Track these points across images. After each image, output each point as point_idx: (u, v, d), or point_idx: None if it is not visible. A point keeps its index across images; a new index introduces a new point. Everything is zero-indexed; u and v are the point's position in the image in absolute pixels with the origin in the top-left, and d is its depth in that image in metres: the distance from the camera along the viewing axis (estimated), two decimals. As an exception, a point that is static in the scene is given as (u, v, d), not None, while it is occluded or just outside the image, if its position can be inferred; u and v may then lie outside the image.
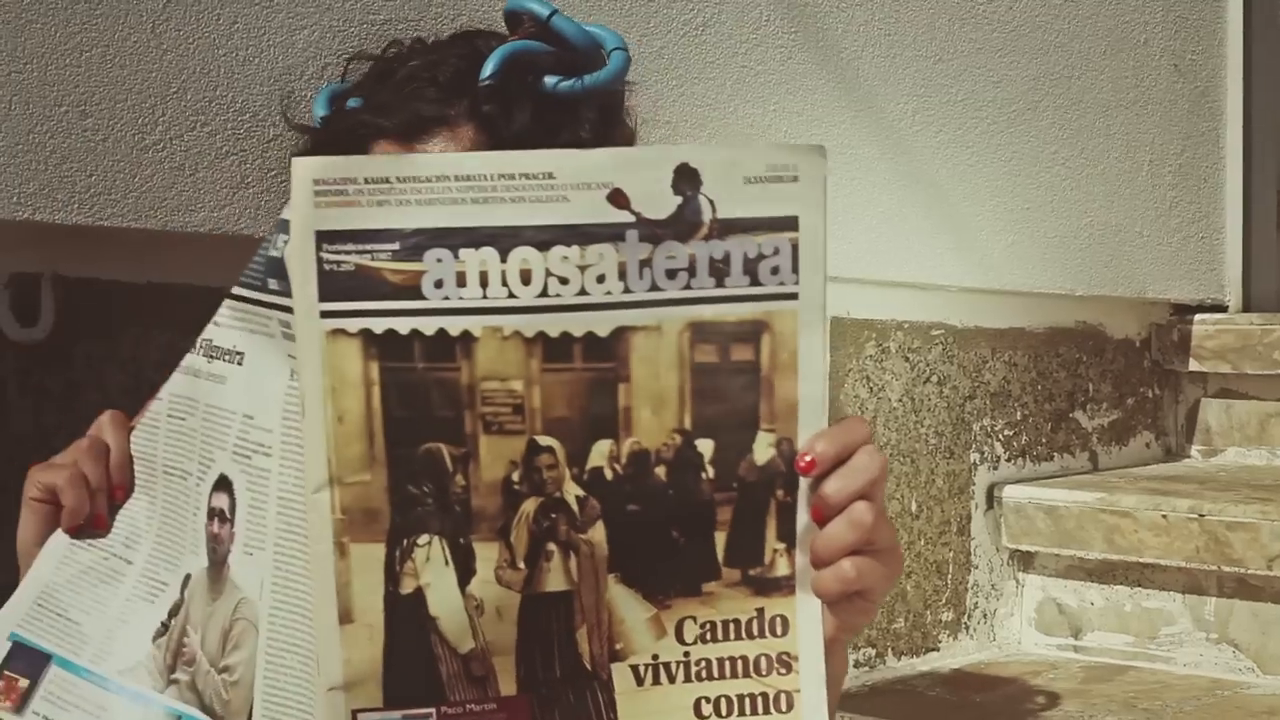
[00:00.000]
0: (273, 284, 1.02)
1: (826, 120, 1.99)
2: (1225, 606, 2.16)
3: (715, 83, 1.86)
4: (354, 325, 0.96)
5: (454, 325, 0.96)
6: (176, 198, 1.42)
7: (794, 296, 1.00)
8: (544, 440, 0.98)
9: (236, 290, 1.09)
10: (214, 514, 1.09)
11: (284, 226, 0.99)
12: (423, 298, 0.96)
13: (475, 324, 0.96)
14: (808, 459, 1.00)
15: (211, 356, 1.11)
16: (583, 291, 0.97)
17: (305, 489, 0.98)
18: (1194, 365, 2.56)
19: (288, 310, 0.99)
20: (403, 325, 0.96)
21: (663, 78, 1.79)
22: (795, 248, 0.99)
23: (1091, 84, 2.36)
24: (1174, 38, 2.51)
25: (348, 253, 0.95)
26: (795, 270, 0.99)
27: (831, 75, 1.98)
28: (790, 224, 0.99)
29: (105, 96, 1.37)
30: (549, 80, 1.35)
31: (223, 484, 1.08)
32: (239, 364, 1.09)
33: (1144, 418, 2.61)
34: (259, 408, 1.06)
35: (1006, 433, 2.36)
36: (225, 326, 1.10)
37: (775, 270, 0.99)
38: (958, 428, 2.28)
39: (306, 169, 0.95)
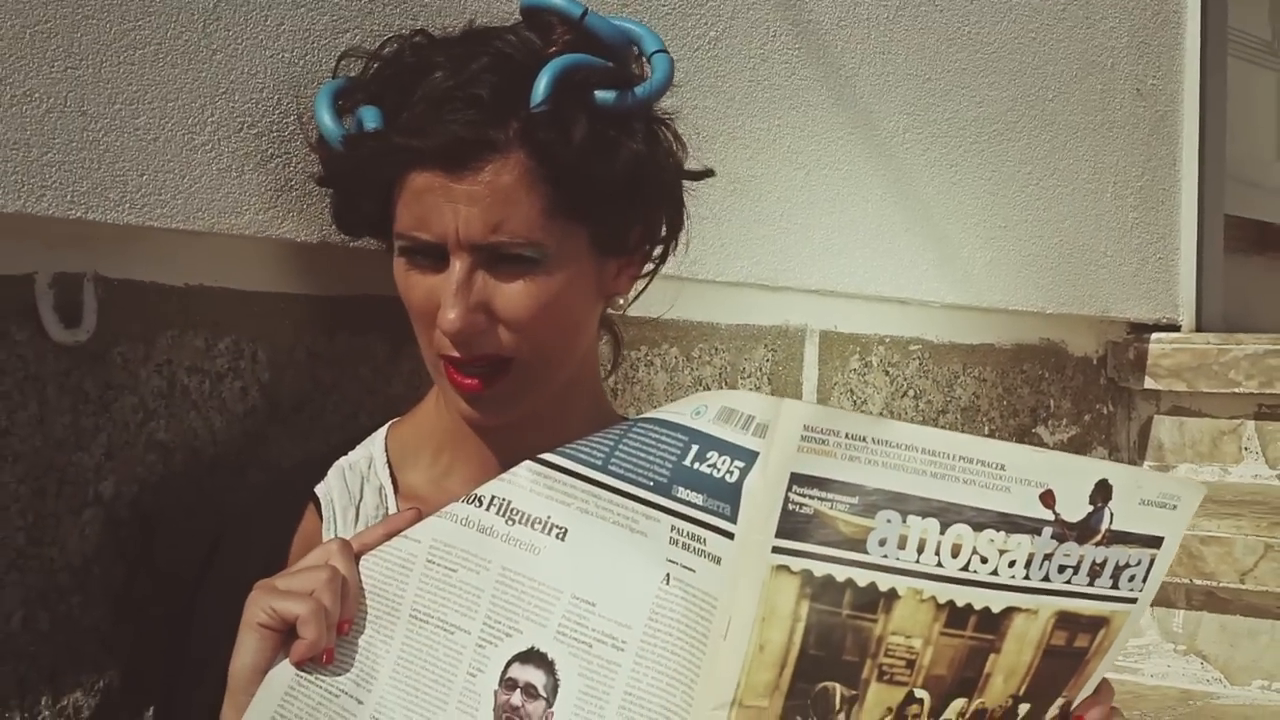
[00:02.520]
0: (683, 493, 1.07)
1: (826, 136, 2.01)
2: (1194, 619, 2.21)
3: (725, 96, 1.87)
4: (798, 564, 1.02)
5: (885, 581, 1.03)
6: (224, 199, 1.40)
7: (1133, 601, 1.12)
8: (919, 693, 1.06)
9: (556, 461, 1.11)
10: (514, 684, 1.10)
11: (722, 447, 1.05)
12: (865, 552, 1.02)
13: (902, 584, 1.03)
14: None
15: (512, 520, 1.13)
16: (994, 572, 1.05)
17: (698, 702, 1.03)
18: (1149, 383, 2.62)
19: (695, 522, 1.05)
20: (841, 573, 1.02)
21: (675, 91, 1.79)
22: (1152, 563, 1.11)
23: (1063, 106, 2.41)
24: (1137, 62, 2.57)
25: (811, 497, 1.01)
26: (1144, 580, 1.11)
27: (831, 91, 2.01)
28: (1156, 543, 1.11)
29: (157, 95, 1.35)
30: (604, 97, 1.29)
31: (535, 658, 1.10)
32: (560, 539, 1.11)
33: (1099, 434, 2.66)
34: (603, 597, 1.09)
35: (975, 447, 2.39)
36: (533, 493, 1.12)
37: (1131, 578, 1.11)
38: (931, 441, 2.31)
39: (799, 413, 1.01)
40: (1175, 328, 2.68)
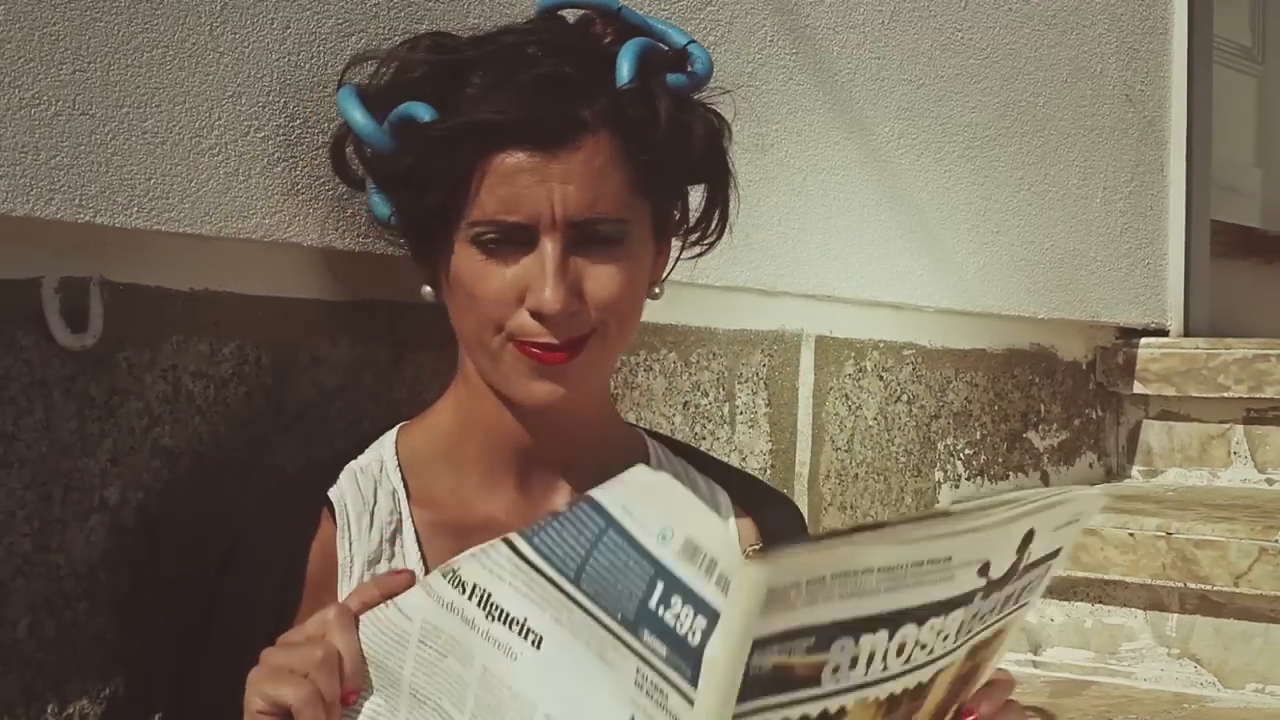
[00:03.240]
0: (648, 638, 1.00)
1: (822, 141, 2.01)
2: (1187, 622, 2.21)
3: (724, 102, 1.87)
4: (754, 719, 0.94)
5: (835, 703, 0.97)
6: (231, 203, 1.40)
7: (1028, 605, 1.09)
8: None
9: (533, 557, 1.05)
10: None
11: (685, 592, 0.97)
12: (819, 685, 0.95)
13: (852, 699, 0.97)
14: (972, 716, 1.12)
15: (492, 616, 1.08)
16: (931, 651, 1.00)
17: None
18: (1138, 388, 2.63)
19: (658, 673, 0.99)
20: (795, 713, 0.95)
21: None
22: (1048, 573, 1.08)
23: (1054, 112, 2.42)
24: (1126, 68, 2.58)
25: (772, 653, 0.92)
26: (1040, 587, 1.09)
27: (827, 96, 2.01)
28: (1056, 554, 1.07)
29: (165, 98, 1.35)
30: (675, 78, 1.35)
31: None
32: (536, 647, 1.06)
33: (1088, 439, 2.67)
34: (570, 716, 1.04)
35: (967, 452, 2.40)
36: (513, 587, 1.07)
37: (1031, 589, 1.07)
38: (924, 446, 2.31)
39: (760, 579, 0.89)
40: (1164, 332, 2.69)
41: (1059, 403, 2.59)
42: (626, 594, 1.02)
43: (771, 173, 1.94)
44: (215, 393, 1.46)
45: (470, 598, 1.09)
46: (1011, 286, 2.36)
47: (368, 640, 1.13)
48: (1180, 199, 2.68)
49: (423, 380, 1.62)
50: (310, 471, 1.40)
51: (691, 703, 0.97)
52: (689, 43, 1.38)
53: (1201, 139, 2.73)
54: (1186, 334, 2.71)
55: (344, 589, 1.33)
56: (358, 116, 1.35)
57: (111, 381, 1.39)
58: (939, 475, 2.34)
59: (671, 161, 1.33)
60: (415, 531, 1.35)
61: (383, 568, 1.34)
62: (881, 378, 2.23)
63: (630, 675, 1.02)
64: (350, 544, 1.32)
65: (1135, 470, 2.70)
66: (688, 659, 0.97)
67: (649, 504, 1.03)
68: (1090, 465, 2.67)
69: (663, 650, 0.99)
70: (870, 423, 2.20)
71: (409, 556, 1.34)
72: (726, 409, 1.98)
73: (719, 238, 1.46)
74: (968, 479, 2.40)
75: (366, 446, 1.39)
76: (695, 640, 0.97)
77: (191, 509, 1.44)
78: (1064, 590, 2.31)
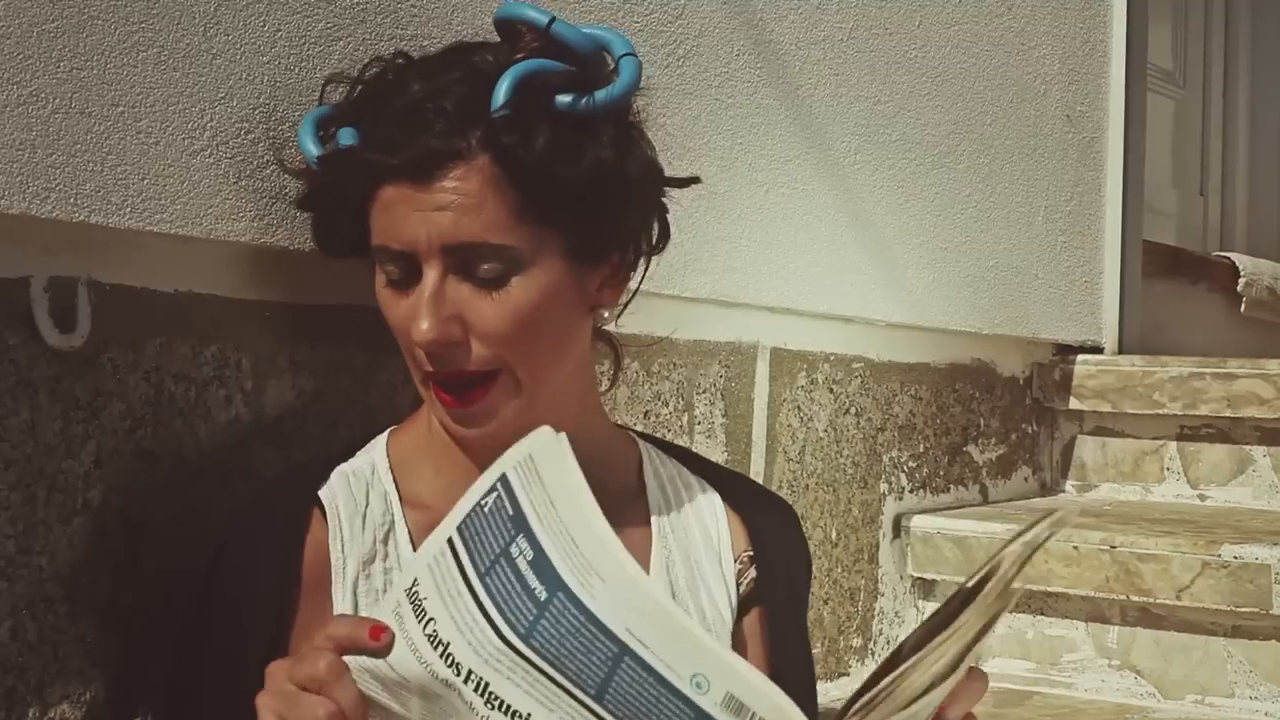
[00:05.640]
0: None
1: (784, 156, 2.03)
2: (1128, 634, 2.26)
3: (691, 113, 1.89)
4: None
5: None
6: (221, 205, 1.39)
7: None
8: None
9: (547, 669, 1.01)
10: None
11: None
12: None
13: None
14: None
15: (492, 705, 1.03)
16: None
17: None
18: (1074, 404, 2.68)
19: None
20: None
21: (644, 107, 1.81)
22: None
23: (1000, 131, 2.46)
24: (1067, 89, 2.63)
25: None
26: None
27: (790, 112, 2.03)
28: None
29: (159, 99, 1.34)
30: (562, 100, 1.29)
31: None
32: None
33: (1024, 453, 2.71)
34: None
35: (910, 464, 2.43)
36: (510, 681, 1.03)
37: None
38: (871, 459, 2.34)
39: None
40: (1098, 350, 2.74)
41: (997, 417, 2.63)
42: None
43: (736, 185, 1.96)
44: (196, 395, 1.45)
45: (466, 682, 1.04)
46: (957, 302, 2.40)
47: (367, 688, 1.08)
48: (1116, 219, 2.74)
49: (396, 385, 1.61)
50: (298, 472, 1.40)
51: None
52: (623, 55, 1.33)
53: (1136, 160, 2.79)
54: (1120, 351, 2.76)
55: (338, 590, 1.33)
56: (304, 140, 1.36)
57: (96, 383, 1.37)
58: (884, 487, 2.37)
59: (557, 186, 1.27)
60: (409, 532, 1.35)
61: (377, 567, 1.34)
62: (832, 390, 2.25)
63: None
64: (342, 545, 1.32)
65: (1069, 485, 2.75)
66: None
67: (661, 636, 1.01)
68: (1025, 480, 2.72)
69: None
70: (821, 434, 2.23)
71: (403, 556, 1.34)
72: (685, 419, 1.99)
73: (645, 267, 1.41)
74: (910, 492, 2.43)
75: (353, 450, 1.40)
76: None
77: (172, 512, 1.43)
78: (1006, 602, 2.34)
